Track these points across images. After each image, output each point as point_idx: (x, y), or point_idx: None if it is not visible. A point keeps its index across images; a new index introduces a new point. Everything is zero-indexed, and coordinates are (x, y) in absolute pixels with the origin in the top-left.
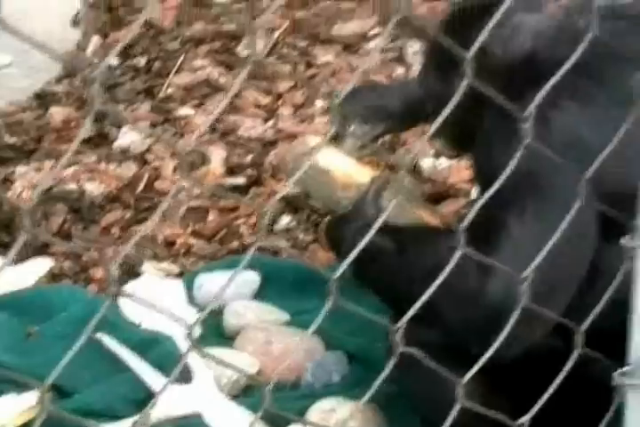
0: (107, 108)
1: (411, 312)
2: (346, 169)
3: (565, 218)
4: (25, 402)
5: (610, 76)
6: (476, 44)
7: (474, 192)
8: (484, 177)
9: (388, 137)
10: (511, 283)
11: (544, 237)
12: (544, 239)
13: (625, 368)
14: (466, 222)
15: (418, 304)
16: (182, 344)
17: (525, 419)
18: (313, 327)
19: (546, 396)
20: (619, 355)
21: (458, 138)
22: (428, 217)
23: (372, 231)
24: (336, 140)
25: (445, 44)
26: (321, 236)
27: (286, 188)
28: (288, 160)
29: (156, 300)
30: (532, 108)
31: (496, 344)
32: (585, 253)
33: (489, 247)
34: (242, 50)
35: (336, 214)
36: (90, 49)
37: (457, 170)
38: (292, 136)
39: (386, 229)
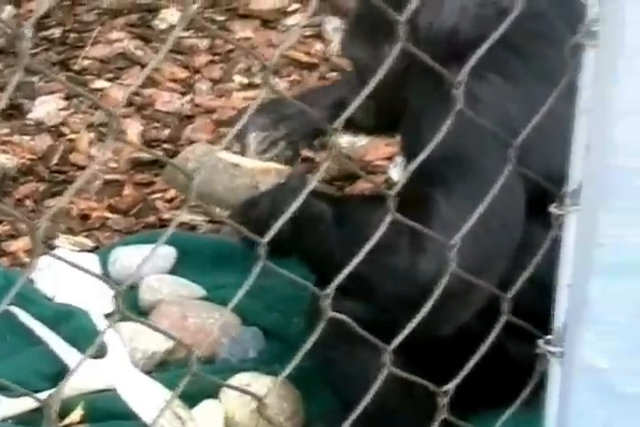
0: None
1: (338, 279)
2: (254, 161)
3: (493, 191)
4: None
5: (533, 53)
6: (409, 9)
7: (391, 170)
8: (413, 155)
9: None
10: (442, 261)
11: (471, 213)
12: (471, 216)
13: (548, 336)
14: (396, 189)
15: (344, 273)
16: (97, 318)
17: (450, 386)
18: (239, 295)
19: (470, 365)
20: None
21: (383, 117)
22: None
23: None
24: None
25: (378, 6)
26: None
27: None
28: (190, 159)
29: (71, 274)
30: (464, 72)
31: (417, 321)
32: (514, 226)
33: (419, 224)
34: (158, 23)
35: (251, 197)
36: (3, 18)
37: (375, 147)
38: (210, 111)
39: (324, 197)
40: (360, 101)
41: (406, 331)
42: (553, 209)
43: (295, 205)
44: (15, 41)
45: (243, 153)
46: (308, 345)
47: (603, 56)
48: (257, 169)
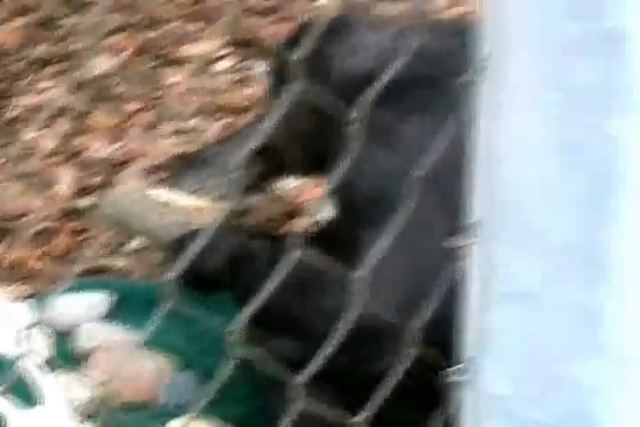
0: None
1: (246, 313)
2: (185, 198)
3: (417, 229)
4: None
5: (446, 86)
6: (305, 46)
7: (316, 208)
8: (338, 193)
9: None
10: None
11: (397, 250)
12: (397, 252)
13: (458, 366)
14: (308, 229)
15: (251, 307)
16: (29, 367)
17: (362, 417)
18: (150, 329)
19: (380, 397)
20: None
21: (308, 161)
22: None
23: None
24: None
25: (278, 51)
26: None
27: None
28: (116, 199)
29: (3, 323)
30: (359, 110)
31: (327, 352)
32: (440, 261)
33: (348, 263)
34: (88, 71)
35: (185, 233)
36: None
37: (307, 188)
38: (142, 156)
39: (263, 236)
40: (265, 140)
41: (316, 364)
42: (456, 241)
43: (210, 237)
44: None
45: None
46: (219, 382)
47: (488, 92)
48: (190, 207)
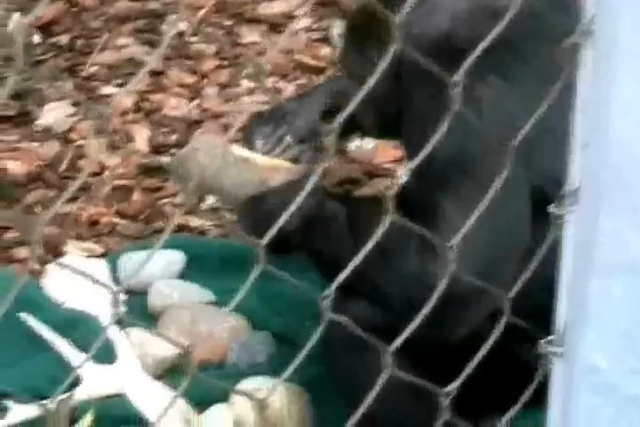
0: (29, 85)
1: (338, 280)
2: (264, 157)
3: (499, 193)
4: None
5: (528, 50)
6: (404, 11)
7: (400, 172)
8: (415, 158)
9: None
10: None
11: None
12: (480, 219)
13: (550, 337)
14: (394, 191)
15: (343, 275)
16: (105, 324)
17: (452, 387)
18: (239, 296)
19: (471, 366)
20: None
21: (379, 123)
22: None
23: (303, 194)
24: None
25: (374, 9)
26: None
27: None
28: (195, 153)
29: (79, 280)
30: (461, 72)
31: (418, 323)
32: (521, 228)
33: (426, 228)
34: (166, 28)
35: (259, 193)
36: (11, 27)
37: (382, 150)
38: (217, 115)
39: (339, 197)
40: (351, 110)
41: (407, 332)
42: (552, 209)
43: (298, 202)
44: (13, 47)
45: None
46: (307, 348)
47: (599, 55)
48: (266, 166)
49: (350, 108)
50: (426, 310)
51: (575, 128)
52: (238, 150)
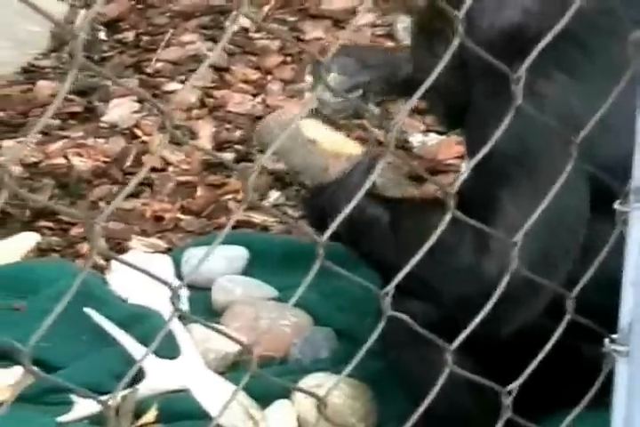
0: (95, 82)
1: (398, 278)
2: (333, 140)
3: (558, 189)
4: (13, 376)
5: (601, 49)
6: (466, 4)
7: (463, 168)
8: (475, 153)
9: (373, 108)
10: (507, 261)
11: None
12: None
13: (614, 335)
14: (456, 187)
15: (403, 272)
16: (168, 319)
17: (514, 385)
18: (299, 291)
19: (534, 364)
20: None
21: (447, 114)
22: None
23: (360, 196)
24: (316, 106)
25: (437, 8)
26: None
27: (269, 159)
28: (271, 129)
29: (144, 276)
30: (523, 69)
31: (479, 321)
32: (579, 225)
33: (484, 224)
34: (228, 24)
35: (319, 184)
36: (77, 23)
37: (447, 146)
38: (282, 110)
39: (380, 200)
40: (413, 103)
41: (468, 330)
42: (617, 206)
43: (351, 206)
44: (73, 42)
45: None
46: (369, 344)
47: None
48: (330, 152)
49: (415, 98)
50: (488, 307)
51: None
52: (309, 127)
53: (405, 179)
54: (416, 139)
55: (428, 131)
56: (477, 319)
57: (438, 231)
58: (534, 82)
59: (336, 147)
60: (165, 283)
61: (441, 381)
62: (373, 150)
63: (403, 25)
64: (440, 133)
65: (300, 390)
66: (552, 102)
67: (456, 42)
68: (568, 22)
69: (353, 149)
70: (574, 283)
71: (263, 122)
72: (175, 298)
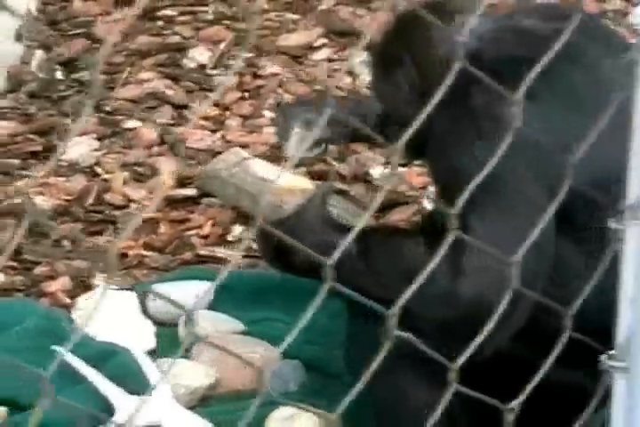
0: (54, 121)
1: (403, 299)
2: (285, 178)
3: (525, 209)
4: None
5: (555, 73)
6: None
7: (425, 200)
8: (441, 180)
9: (334, 147)
10: (481, 283)
11: (507, 234)
12: (507, 237)
13: (611, 351)
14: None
15: (407, 294)
16: (139, 355)
17: (516, 403)
18: (307, 314)
19: (534, 383)
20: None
21: (408, 145)
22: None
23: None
24: (278, 148)
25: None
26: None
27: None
28: (222, 167)
29: (109, 312)
30: (522, 90)
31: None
32: (547, 246)
33: (455, 249)
34: (187, 62)
35: (275, 220)
36: (34, 63)
37: (408, 177)
38: (241, 146)
39: (344, 229)
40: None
41: (468, 352)
42: (612, 224)
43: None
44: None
45: (281, 149)
46: (372, 370)
47: None
48: (283, 189)
49: (409, 132)
50: (485, 333)
51: (634, 144)
52: (259, 167)
53: (362, 209)
54: (376, 171)
55: (388, 163)
56: (478, 341)
57: (413, 257)
58: (494, 106)
59: (289, 183)
60: (180, 306)
61: (445, 400)
62: (327, 184)
63: (359, 59)
64: (402, 166)
65: (275, 421)
66: (512, 126)
67: (457, 66)
68: (528, 50)
69: (306, 184)
70: (544, 307)
71: (209, 164)
72: (189, 321)
